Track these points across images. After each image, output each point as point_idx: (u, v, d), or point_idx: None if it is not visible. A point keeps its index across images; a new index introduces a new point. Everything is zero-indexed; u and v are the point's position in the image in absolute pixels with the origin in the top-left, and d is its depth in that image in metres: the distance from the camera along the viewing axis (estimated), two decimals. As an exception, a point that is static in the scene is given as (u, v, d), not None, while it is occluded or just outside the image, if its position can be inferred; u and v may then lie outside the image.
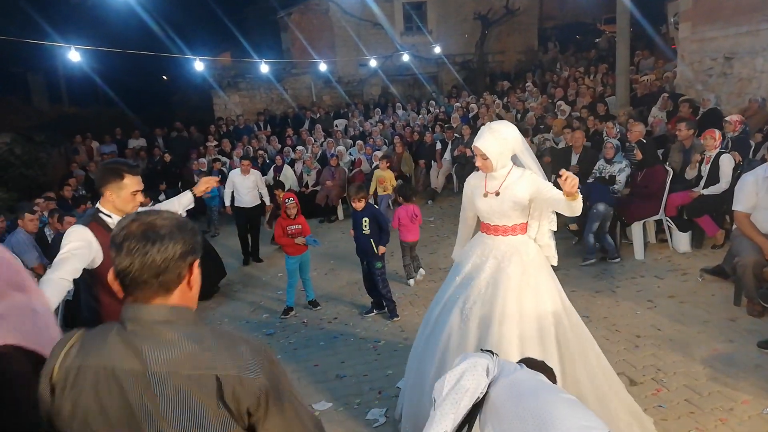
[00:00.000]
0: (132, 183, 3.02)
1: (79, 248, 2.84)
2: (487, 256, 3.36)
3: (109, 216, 3.03)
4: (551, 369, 2.26)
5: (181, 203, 3.63)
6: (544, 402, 1.89)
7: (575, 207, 3.05)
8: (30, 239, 6.45)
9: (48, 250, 6.68)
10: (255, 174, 8.97)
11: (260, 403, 1.34)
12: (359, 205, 5.97)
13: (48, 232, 7.22)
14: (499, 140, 3.24)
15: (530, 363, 2.21)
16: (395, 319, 5.85)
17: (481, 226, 3.50)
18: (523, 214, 3.35)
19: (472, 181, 3.52)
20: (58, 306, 6.20)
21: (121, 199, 3.02)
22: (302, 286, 6.56)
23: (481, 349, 2.19)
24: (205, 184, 3.65)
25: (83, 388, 1.33)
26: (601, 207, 6.58)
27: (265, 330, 6.03)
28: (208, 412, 1.30)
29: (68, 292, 6.18)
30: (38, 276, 6.28)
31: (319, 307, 6.41)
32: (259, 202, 8.92)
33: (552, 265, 3.41)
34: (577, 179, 2.93)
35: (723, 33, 9.74)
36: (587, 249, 6.72)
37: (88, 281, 3.00)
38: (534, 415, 1.85)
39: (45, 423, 1.37)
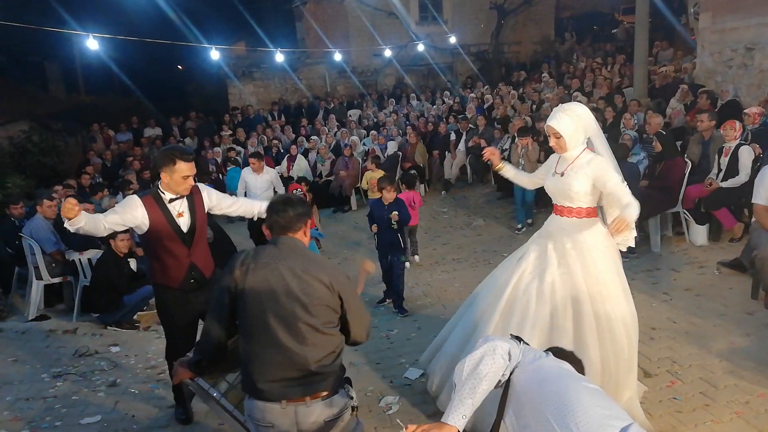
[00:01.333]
0: (183, 168, 3.41)
1: (123, 210, 3.41)
2: (551, 236, 3.51)
3: (164, 193, 3.49)
4: (580, 360, 2.24)
5: (252, 208, 3.88)
6: (566, 388, 1.87)
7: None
8: (48, 225, 6.52)
9: (65, 236, 6.76)
10: (270, 173, 8.31)
11: (344, 293, 2.42)
12: (390, 196, 5.79)
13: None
14: (573, 117, 3.27)
15: (559, 352, 2.19)
16: (404, 315, 5.80)
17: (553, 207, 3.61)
18: (589, 198, 3.37)
19: (550, 161, 3.63)
20: (77, 290, 6.30)
21: (174, 182, 3.44)
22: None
23: (511, 335, 2.18)
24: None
25: (257, 277, 2.37)
26: None
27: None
28: (326, 293, 2.38)
29: (86, 277, 6.26)
30: (56, 262, 6.38)
31: None
32: None
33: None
34: (624, 227, 3.03)
35: (744, 23, 9.56)
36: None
37: (145, 246, 3.69)
38: (555, 401, 1.83)
39: (228, 304, 2.43)
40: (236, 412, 2.55)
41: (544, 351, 2.16)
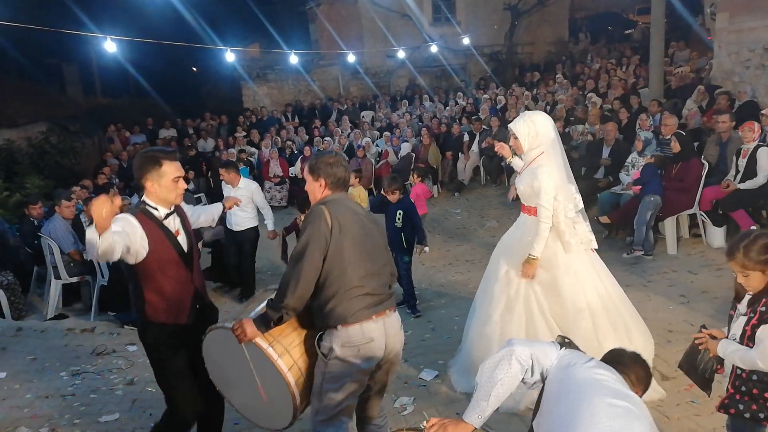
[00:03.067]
0: (171, 169, 2.90)
1: (122, 230, 2.72)
2: (517, 229, 3.99)
3: (156, 209, 2.92)
4: (636, 356, 2.28)
5: (212, 212, 3.81)
6: (583, 404, 1.80)
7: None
8: (67, 225, 6.61)
9: (83, 236, 6.83)
10: (248, 186, 6.61)
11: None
12: (393, 198, 5.86)
13: (83, 218, 7.39)
14: (528, 123, 3.67)
15: (616, 354, 2.26)
16: (416, 315, 5.82)
17: None
18: (535, 200, 3.74)
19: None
20: (95, 290, 6.37)
21: (163, 188, 2.89)
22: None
23: (559, 336, 2.20)
24: (232, 202, 4.04)
25: (347, 224, 2.69)
26: (657, 198, 6.39)
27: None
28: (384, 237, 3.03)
29: (103, 277, 6.32)
30: (74, 261, 6.46)
31: None
32: (254, 224, 6.75)
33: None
34: (532, 272, 3.72)
35: (762, 23, 9.45)
36: (637, 240, 6.48)
37: (136, 278, 2.90)
38: (565, 415, 1.81)
39: (326, 244, 2.64)
40: (289, 375, 2.67)
41: (608, 353, 2.18)
